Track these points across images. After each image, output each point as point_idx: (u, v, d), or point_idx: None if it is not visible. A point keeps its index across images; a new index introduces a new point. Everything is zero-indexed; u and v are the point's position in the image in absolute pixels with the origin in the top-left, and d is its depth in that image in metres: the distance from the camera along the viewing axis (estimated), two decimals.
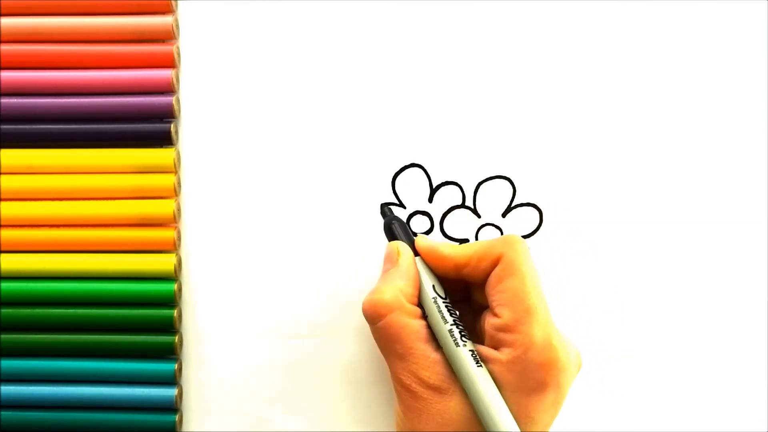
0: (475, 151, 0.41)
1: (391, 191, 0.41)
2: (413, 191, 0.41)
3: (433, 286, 0.36)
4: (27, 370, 0.40)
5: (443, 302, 0.35)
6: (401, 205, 0.41)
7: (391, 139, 0.41)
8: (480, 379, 0.33)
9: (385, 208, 0.40)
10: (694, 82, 0.41)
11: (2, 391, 0.40)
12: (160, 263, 0.40)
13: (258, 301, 0.41)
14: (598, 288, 0.41)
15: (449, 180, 0.41)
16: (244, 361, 0.41)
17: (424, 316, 0.36)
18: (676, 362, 0.42)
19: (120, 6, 0.40)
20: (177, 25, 0.41)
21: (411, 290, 0.36)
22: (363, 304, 0.36)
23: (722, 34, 0.41)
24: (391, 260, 0.37)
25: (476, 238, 0.41)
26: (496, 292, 0.35)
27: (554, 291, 0.41)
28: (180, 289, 0.41)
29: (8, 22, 0.40)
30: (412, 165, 0.41)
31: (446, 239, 0.41)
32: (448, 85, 0.41)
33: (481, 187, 0.41)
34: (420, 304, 0.36)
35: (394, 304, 0.35)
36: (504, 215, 0.41)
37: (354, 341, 0.41)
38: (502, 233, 0.41)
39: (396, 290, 0.35)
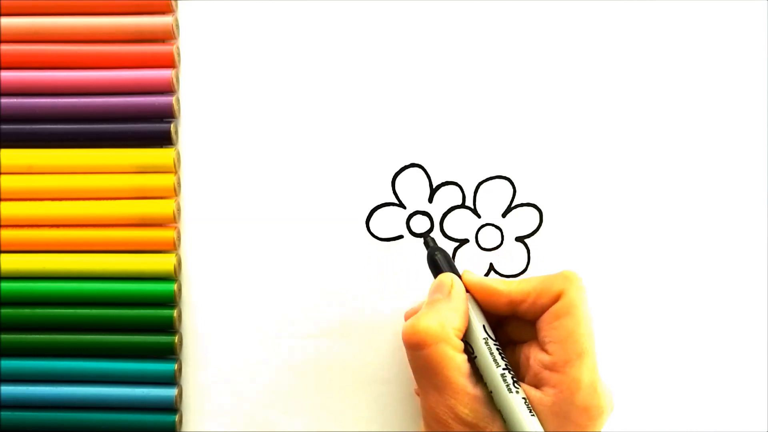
0: (475, 151, 0.41)
1: (391, 191, 0.41)
2: (413, 191, 0.41)
3: (483, 326, 0.35)
4: (27, 370, 0.40)
5: (494, 344, 0.35)
6: (401, 205, 0.41)
7: (391, 139, 0.41)
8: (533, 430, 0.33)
9: (428, 238, 0.40)
10: (695, 82, 0.41)
11: (2, 391, 0.40)
12: (160, 263, 0.40)
13: (258, 301, 0.41)
14: (598, 287, 0.41)
15: (449, 180, 0.41)
16: (244, 361, 0.41)
17: (470, 354, 0.35)
18: (676, 362, 0.42)
19: (120, 6, 0.40)
20: (177, 25, 0.41)
21: (459, 325, 0.35)
22: (405, 328, 0.34)
23: (722, 34, 0.41)
24: (441, 291, 0.36)
25: (476, 238, 0.41)
26: (551, 329, 0.34)
27: None
28: (180, 289, 0.41)
29: (8, 22, 0.40)
30: (412, 165, 0.41)
31: (446, 239, 0.41)
32: (448, 85, 0.41)
33: (481, 187, 0.41)
34: (466, 342, 0.35)
35: (441, 335, 0.34)
36: (504, 215, 0.41)
37: (354, 341, 0.41)
38: (502, 233, 0.41)
39: (444, 321, 0.34)
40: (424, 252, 0.41)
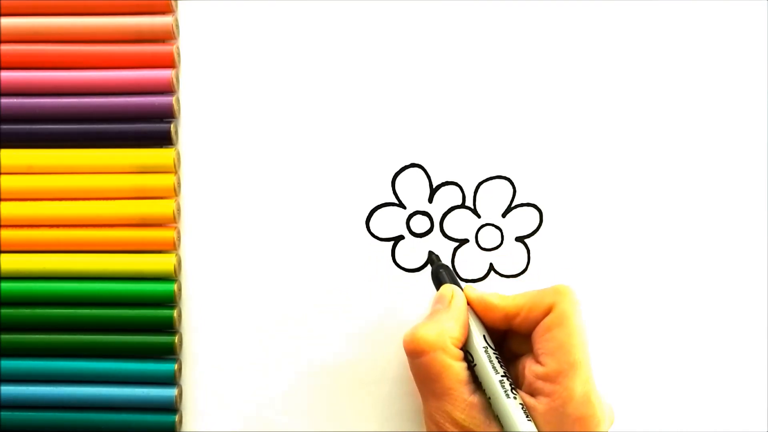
0: (475, 151, 0.41)
1: (391, 191, 0.41)
2: (413, 191, 0.41)
3: (484, 336, 0.36)
4: (27, 370, 0.40)
5: (494, 352, 0.36)
6: (401, 205, 0.41)
7: (391, 139, 0.41)
8: None
9: (432, 256, 0.40)
10: (694, 82, 0.41)
11: (2, 391, 0.40)
12: (160, 263, 0.40)
13: (258, 302, 0.41)
14: (598, 288, 0.41)
15: (449, 180, 0.41)
16: (244, 361, 0.41)
17: (470, 363, 0.36)
18: (676, 362, 0.42)
19: (120, 6, 0.40)
20: (177, 25, 0.41)
21: (458, 334, 0.36)
22: (404, 336, 0.35)
23: (722, 34, 0.41)
24: (442, 302, 0.37)
25: (476, 238, 0.41)
26: (544, 341, 0.35)
27: None
28: (180, 289, 0.41)
29: (8, 22, 0.40)
30: (412, 165, 0.41)
31: (446, 239, 0.41)
32: (448, 85, 0.41)
33: (481, 187, 0.41)
34: (466, 351, 0.36)
35: (438, 344, 0.35)
36: (504, 215, 0.41)
37: (354, 341, 0.41)
38: (502, 233, 0.41)
39: (443, 330, 0.35)
40: (424, 251, 0.41)
